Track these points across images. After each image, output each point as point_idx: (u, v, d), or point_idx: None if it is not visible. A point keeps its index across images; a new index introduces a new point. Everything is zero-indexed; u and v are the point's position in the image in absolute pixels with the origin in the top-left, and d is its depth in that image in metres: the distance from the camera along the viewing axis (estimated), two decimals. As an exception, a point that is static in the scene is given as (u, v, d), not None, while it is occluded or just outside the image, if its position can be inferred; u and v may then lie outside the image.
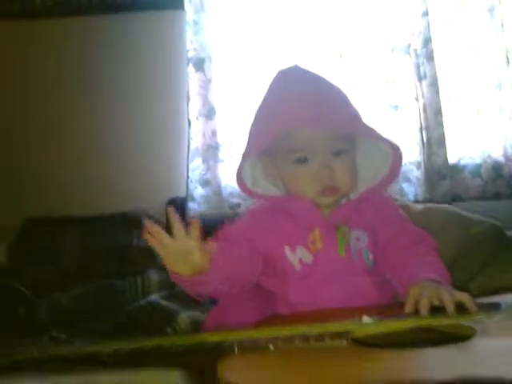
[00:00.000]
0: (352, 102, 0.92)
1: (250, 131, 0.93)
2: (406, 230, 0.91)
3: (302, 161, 0.87)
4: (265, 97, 0.93)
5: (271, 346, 0.61)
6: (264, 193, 0.94)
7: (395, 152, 0.89)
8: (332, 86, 0.92)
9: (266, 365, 0.57)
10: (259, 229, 0.91)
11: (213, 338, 0.68)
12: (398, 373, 0.49)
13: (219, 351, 0.62)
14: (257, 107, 0.94)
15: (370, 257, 0.88)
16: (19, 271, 1.77)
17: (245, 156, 0.90)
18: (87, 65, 2.03)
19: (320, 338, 0.61)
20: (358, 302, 0.83)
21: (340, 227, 0.89)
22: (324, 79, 0.93)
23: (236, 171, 0.90)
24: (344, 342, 0.59)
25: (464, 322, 0.63)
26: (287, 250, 0.89)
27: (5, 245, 1.91)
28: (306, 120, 0.85)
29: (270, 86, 0.93)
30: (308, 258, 0.88)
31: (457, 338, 0.58)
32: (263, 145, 0.89)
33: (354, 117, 0.89)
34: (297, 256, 0.88)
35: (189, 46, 1.90)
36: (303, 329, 0.64)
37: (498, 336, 0.58)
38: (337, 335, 0.61)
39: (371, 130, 0.88)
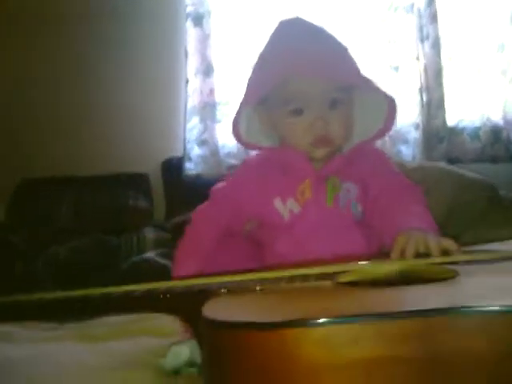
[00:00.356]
0: (352, 55, 0.91)
1: (249, 80, 0.92)
2: (395, 183, 0.91)
3: (298, 112, 0.87)
4: (265, 46, 0.92)
5: (258, 287, 0.61)
6: (257, 143, 0.95)
7: (390, 104, 0.88)
8: (332, 37, 0.91)
9: (249, 302, 0.57)
10: (248, 184, 0.93)
11: (201, 281, 0.68)
12: (380, 307, 0.50)
13: (207, 294, 0.63)
14: (256, 57, 0.93)
15: (359, 209, 0.89)
16: (16, 228, 1.78)
17: (242, 105, 0.90)
18: (82, 20, 1.99)
19: (305, 278, 0.61)
20: (344, 251, 0.83)
21: (330, 178, 0.89)
22: (325, 31, 0.92)
23: (232, 120, 0.90)
24: (329, 283, 0.60)
25: (448, 265, 0.64)
26: (277, 201, 0.90)
27: (3, 204, 1.92)
28: (303, 68, 0.84)
29: (271, 36, 0.92)
30: (296, 209, 0.89)
31: (441, 279, 0.58)
32: (260, 93, 0.89)
33: (352, 68, 0.89)
34: (287, 207, 0.90)
35: (187, 0, 1.86)
36: (290, 272, 0.65)
37: (481, 276, 0.58)
38: (322, 276, 0.62)
39: (368, 81, 0.87)
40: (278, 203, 0.90)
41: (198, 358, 0.76)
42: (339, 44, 0.91)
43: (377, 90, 0.88)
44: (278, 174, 0.92)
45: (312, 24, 0.92)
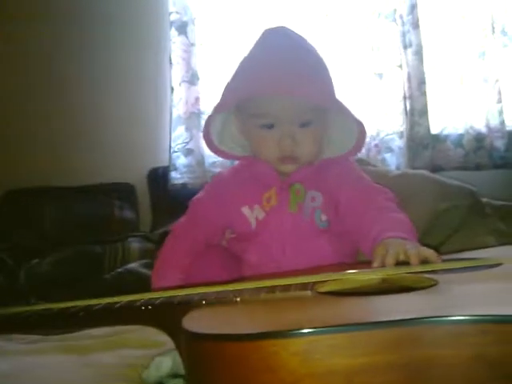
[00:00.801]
0: (329, 73, 0.93)
1: (226, 86, 0.93)
2: (367, 190, 0.92)
3: (268, 127, 0.89)
4: (248, 53, 0.94)
5: (238, 299, 0.61)
6: (229, 151, 0.97)
7: (360, 128, 0.91)
8: (312, 53, 0.93)
9: (228, 314, 0.57)
10: (220, 196, 0.96)
11: (181, 292, 0.68)
12: (358, 316, 0.50)
13: (187, 305, 0.62)
14: (239, 62, 0.95)
15: (323, 217, 0.90)
16: (0, 239, 1.76)
17: (215, 110, 0.92)
18: (64, 27, 1.98)
19: (285, 288, 0.61)
20: (309, 259, 0.85)
21: (294, 185, 0.91)
22: (307, 44, 0.93)
23: (204, 123, 0.93)
24: (309, 292, 0.60)
25: (427, 274, 0.64)
26: (245, 209, 0.92)
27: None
28: (275, 88, 0.86)
29: (255, 44, 0.93)
30: (261, 215, 0.91)
31: (420, 288, 0.59)
32: (232, 102, 0.91)
33: (326, 90, 0.90)
34: (254, 214, 0.92)
35: (171, 8, 1.86)
36: (269, 282, 0.65)
37: (460, 285, 0.59)
38: (302, 286, 0.62)
39: (340, 104, 0.89)
40: (246, 210, 0.92)
41: (182, 369, 0.76)
42: (319, 62, 0.92)
43: (347, 113, 0.90)
44: (247, 183, 0.95)
45: (296, 36, 0.93)
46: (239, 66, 0.93)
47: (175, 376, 0.77)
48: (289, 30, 0.94)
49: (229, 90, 0.92)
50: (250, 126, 0.91)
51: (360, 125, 0.90)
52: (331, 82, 0.92)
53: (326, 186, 0.91)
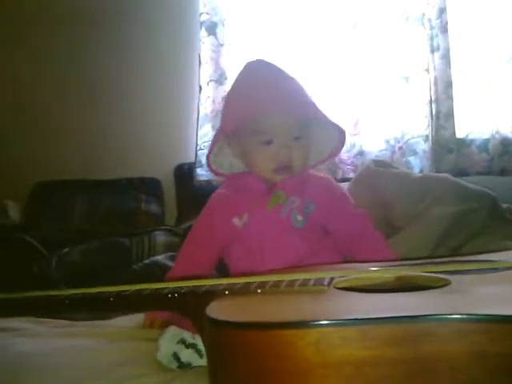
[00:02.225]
0: (306, 91, 1.04)
1: (223, 113, 1.06)
2: (353, 217, 1.04)
3: (267, 142, 0.99)
4: (233, 85, 1.05)
5: (259, 290, 0.65)
6: (218, 169, 1.06)
7: (341, 135, 1.02)
8: (291, 78, 1.04)
9: (249, 304, 0.60)
10: (213, 216, 1.05)
11: (206, 283, 0.72)
12: (369, 311, 0.53)
13: (211, 295, 0.66)
14: (229, 92, 1.08)
15: (299, 218, 0.99)
16: (32, 229, 1.82)
17: (218, 135, 1.02)
18: (96, 26, 2.04)
19: (304, 282, 0.64)
20: (286, 254, 0.95)
21: (276, 191, 1.01)
22: (284, 72, 1.04)
23: (208, 150, 1.03)
24: (326, 288, 0.63)
25: (440, 274, 0.67)
26: (235, 220, 1.01)
27: (18, 207, 1.97)
28: (272, 107, 0.97)
29: (238, 75, 1.05)
30: (247, 219, 1.01)
31: (433, 287, 0.61)
32: (236, 124, 1.00)
33: (310, 104, 1.02)
34: (242, 221, 1.01)
35: (202, 9, 1.90)
36: (290, 276, 0.68)
37: (472, 286, 0.61)
38: (320, 281, 0.65)
39: (324, 115, 1.01)
40: (236, 221, 1.01)
41: (188, 337, 0.82)
42: (298, 83, 1.04)
43: (331, 123, 1.01)
44: (236, 197, 1.03)
45: (272, 65, 1.04)
46: (233, 93, 1.04)
47: (187, 346, 0.82)
48: (265, 61, 1.05)
49: (227, 115, 1.04)
50: (249, 144, 1.01)
51: (342, 132, 1.02)
52: (311, 97, 1.03)
53: (305, 194, 1.01)
